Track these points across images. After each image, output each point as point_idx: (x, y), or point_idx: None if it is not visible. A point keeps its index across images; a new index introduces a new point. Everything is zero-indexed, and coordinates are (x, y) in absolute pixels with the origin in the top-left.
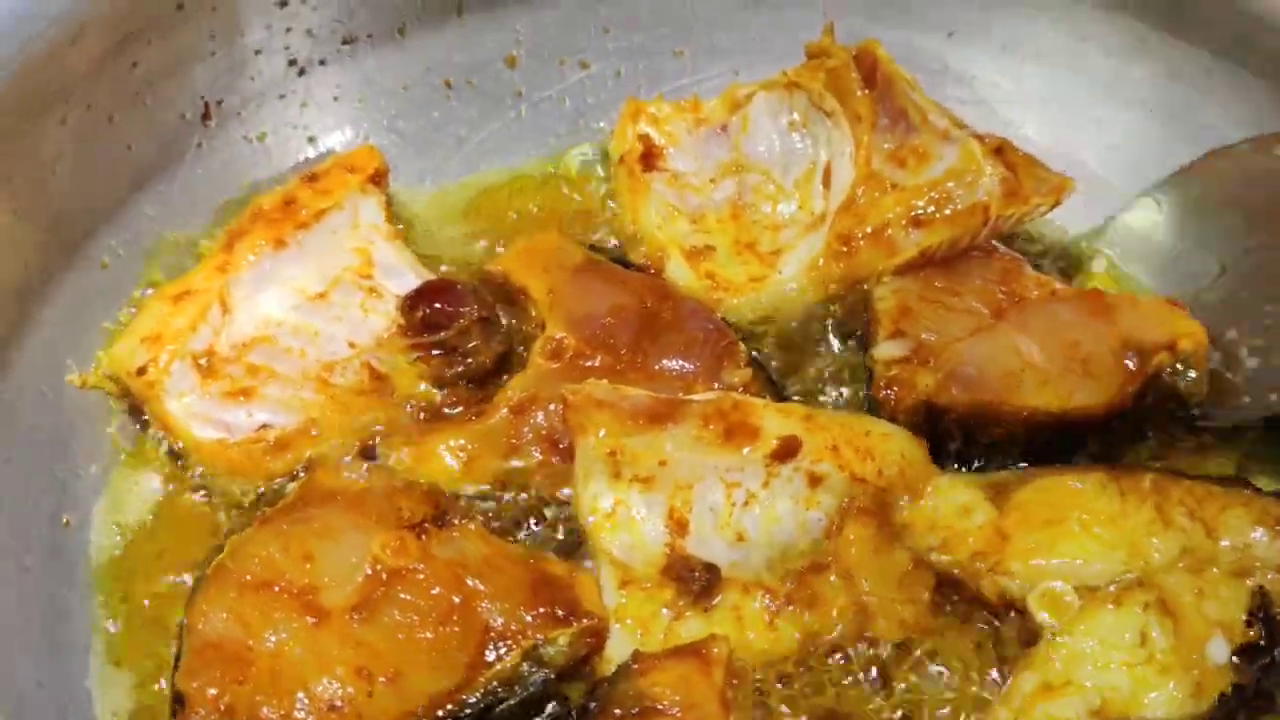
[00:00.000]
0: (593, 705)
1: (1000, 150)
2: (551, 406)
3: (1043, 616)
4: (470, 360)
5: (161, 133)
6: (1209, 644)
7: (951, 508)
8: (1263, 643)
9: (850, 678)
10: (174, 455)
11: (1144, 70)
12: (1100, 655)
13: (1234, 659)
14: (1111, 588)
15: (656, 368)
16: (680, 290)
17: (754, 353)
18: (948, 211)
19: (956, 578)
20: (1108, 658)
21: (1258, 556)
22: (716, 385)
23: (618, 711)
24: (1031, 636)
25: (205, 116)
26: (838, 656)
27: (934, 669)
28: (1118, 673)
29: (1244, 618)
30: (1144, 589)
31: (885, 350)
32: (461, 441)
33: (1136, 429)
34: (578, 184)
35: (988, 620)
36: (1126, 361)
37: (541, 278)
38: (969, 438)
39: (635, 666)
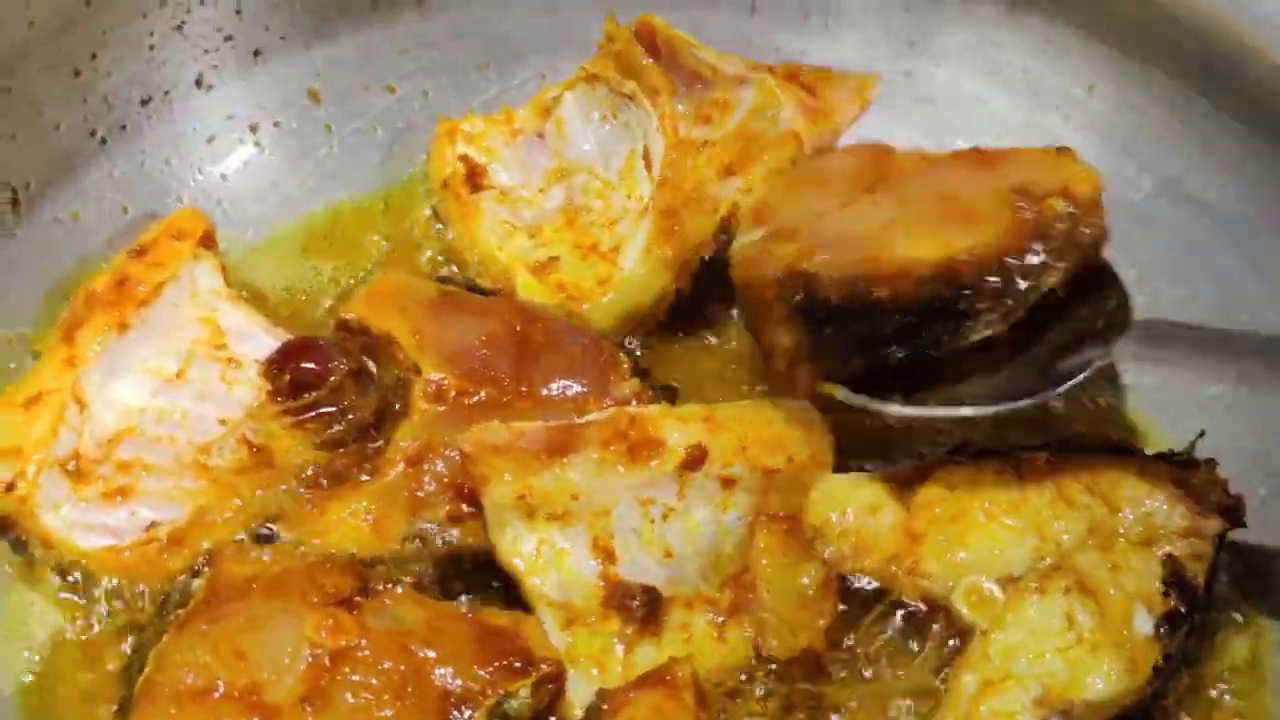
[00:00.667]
0: None
1: (793, 75)
2: (448, 452)
3: (969, 614)
4: (350, 416)
5: None
6: (1134, 618)
7: (859, 507)
8: (1182, 610)
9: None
10: (60, 571)
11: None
12: (1032, 645)
13: (1159, 629)
14: (1031, 576)
15: (544, 393)
16: (543, 309)
17: (636, 356)
18: (755, 150)
19: (874, 586)
20: (1040, 646)
21: (1159, 524)
22: (608, 401)
23: None
24: (958, 634)
25: (14, 204)
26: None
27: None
28: (1053, 660)
29: (1160, 588)
30: (1061, 573)
31: (742, 240)
32: (363, 504)
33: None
34: (405, 213)
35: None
36: (1015, 202)
37: (401, 319)
38: (849, 333)
39: (605, 706)
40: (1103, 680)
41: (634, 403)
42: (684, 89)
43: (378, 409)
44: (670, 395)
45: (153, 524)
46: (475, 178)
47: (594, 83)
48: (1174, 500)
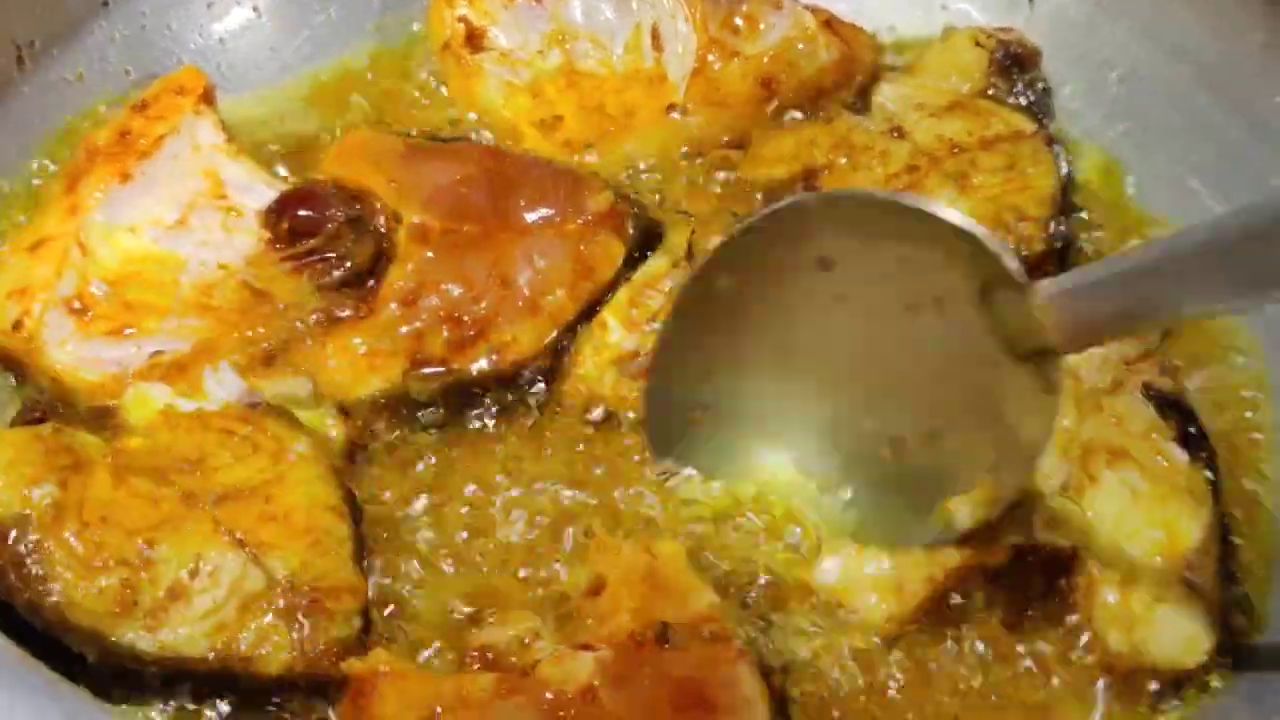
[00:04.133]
0: None
1: (830, 22)
2: (443, 286)
3: (1060, 538)
4: (348, 263)
5: None
6: (1166, 452)
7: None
8: (1192, 430)
9: None
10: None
11: None
12: (1125, 530)
13: (1188, 450)
14: (1075, 475)
15: (525, 220)
16: (509, 148)
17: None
18: (789, 76)
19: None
20: (1130, 527)
21: (1115, 364)
22: (585, 216)
23: None
24: (1060, 565)
25: (19, 61)
26: None
27: None
28: (1148, 532)
29: (1157, 415)
30: (1093, 455)
31: None
32: (358, 341)
33: None
34: (403, 71)
35: None
36: None
37: (374, 173)
38: None
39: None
40: (1187, 518)
41: (608, 212)
42: None
43: (373, 255)
44: (642, 209)
45: (157, 353)
46: (475, 39)
47: None
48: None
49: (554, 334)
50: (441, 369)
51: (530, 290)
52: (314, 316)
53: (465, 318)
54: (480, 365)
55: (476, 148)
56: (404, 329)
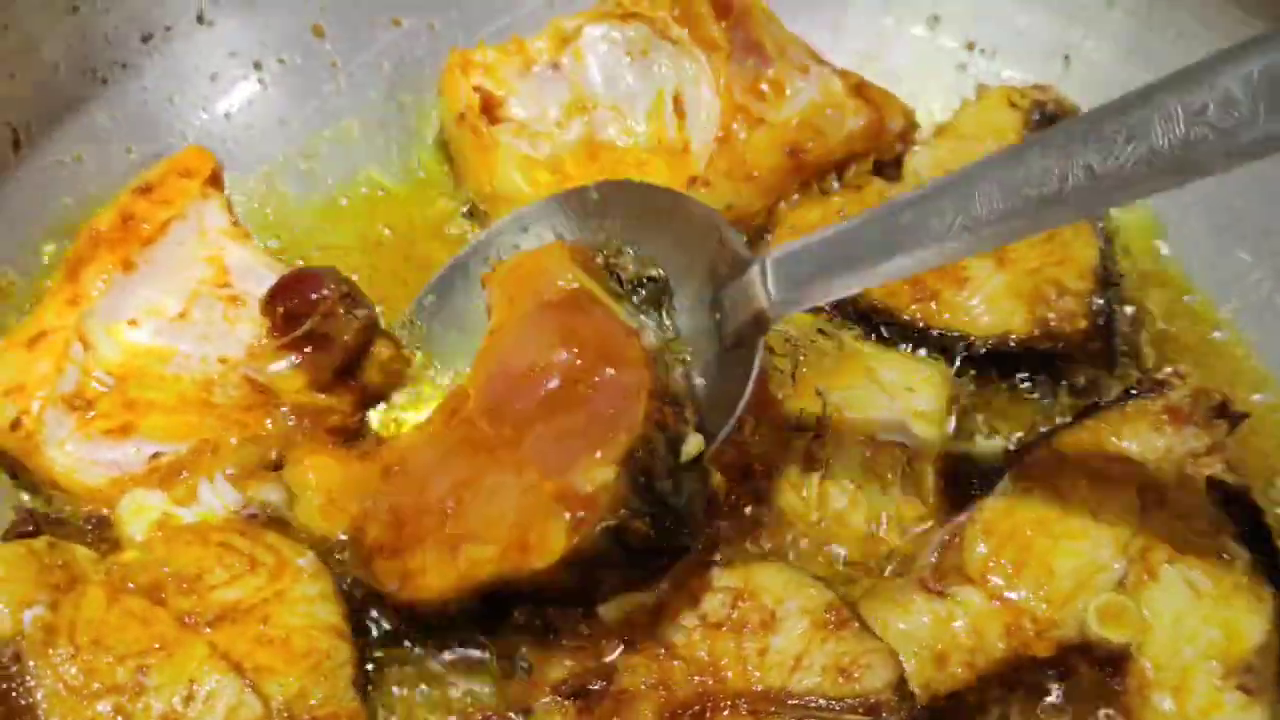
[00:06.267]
0: None
1: (859, 87)
2: (417, 474)
3: (1115, 635)
4: (337, 342)
5: None
6: (1231, 551)
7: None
8: (1251, 522)
9: None
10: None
11: None
12: (1183, 630)
13: (1250, 547)
14: (1134, 569)
15: (522, 453)
16: (624, 354)
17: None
18: (816, 144)
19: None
20: (1188, 627)
21: (1180, 457)
22: (569, 484)
23: None
24: (1110, 663)
25: (15, 144)
26: None
27: None
28: (1206, 630)
29: (1221, 513)
30: (1153, 550)
31: None
32: (330, 474)
33: None
34: (416, 147)
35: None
36: None
37: (508, 305)
38: None
39: None
40: (1250, 619)
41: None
42: (740, 55)
43: (363, 330)
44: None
45: (156, 455)
46: (492, 109)
47: (630, 20)
48: (1176, 428)
49: (452, 590)
50: (363, 560)
51: (461, 528)
52: (306, 422)
53: (402, 522)
54: (391, 584)
55: (600, 335)
56: (370, 489)
